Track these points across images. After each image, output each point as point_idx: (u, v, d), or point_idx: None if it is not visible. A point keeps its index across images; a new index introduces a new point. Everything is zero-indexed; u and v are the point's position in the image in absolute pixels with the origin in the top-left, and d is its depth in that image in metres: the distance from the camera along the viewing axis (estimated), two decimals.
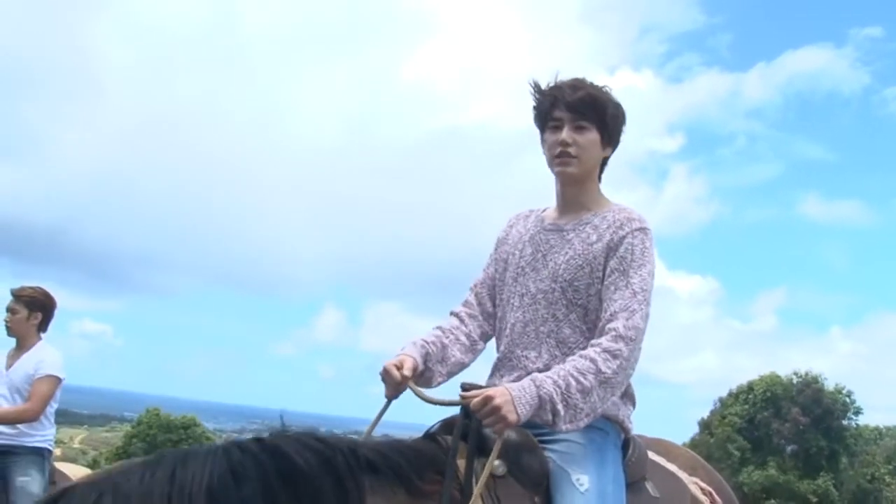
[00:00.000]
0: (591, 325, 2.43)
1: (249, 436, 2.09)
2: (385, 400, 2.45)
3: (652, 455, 2.68)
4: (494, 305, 2.67)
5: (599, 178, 2.59)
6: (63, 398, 5.33)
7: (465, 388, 2.32)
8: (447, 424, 2.36)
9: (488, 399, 2.15)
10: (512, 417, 2.13)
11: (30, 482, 4.99)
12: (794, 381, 35.93)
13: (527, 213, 2.71)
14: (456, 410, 2.32)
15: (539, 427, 2.31)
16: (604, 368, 2.25)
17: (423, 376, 2.48)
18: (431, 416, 2.43)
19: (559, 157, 2.48)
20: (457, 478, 2.19)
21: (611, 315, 2.33)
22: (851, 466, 35.23)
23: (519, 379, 2.34)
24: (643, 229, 2.43)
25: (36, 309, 5.26)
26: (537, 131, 2.59)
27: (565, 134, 2.46)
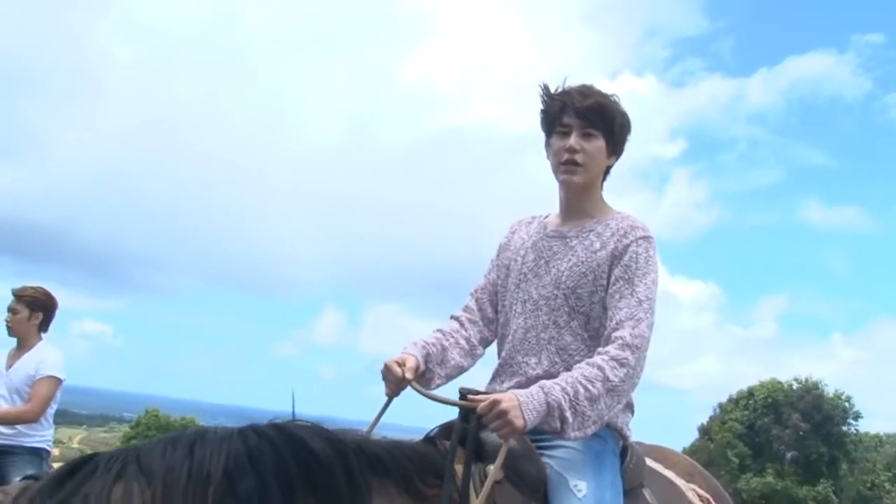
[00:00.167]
0: (593, 333, 2.44)
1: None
2: (386, 398, 2.45)
3: (650, 462, 2.69)
4: (495, 311, 2.67)
5: (602, 186, 2.60)
6: (62, 398, 5.32)
7: (464, 393, 2.33)
8: (446, 429, 2.36)
9: (496, 403, 2.15)
10: (519, 423, 2.13)
11: None
12: (795, 387, 35.93)
13: (529, 220, 2.71)
14: (455, 414, 2.33)
15: (536, 433, 2.31)
16: (611, 376, 2.26)
17: (423, 377, 2.49)
18: (430, 420, 2.43)
19: (565, 165, 2.48)
20: (455, 482, 2.19)
21: (616, 324, 2.34)
22: (851, 473, 35.22)
23: (519, 385, 2.34)
24: (647, 237, 2.43)
25: (37, 309, 5.27)
26: (542, 135, 2.59)
27: (573, 140, 2.46)
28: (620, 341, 2.30)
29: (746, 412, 35.56)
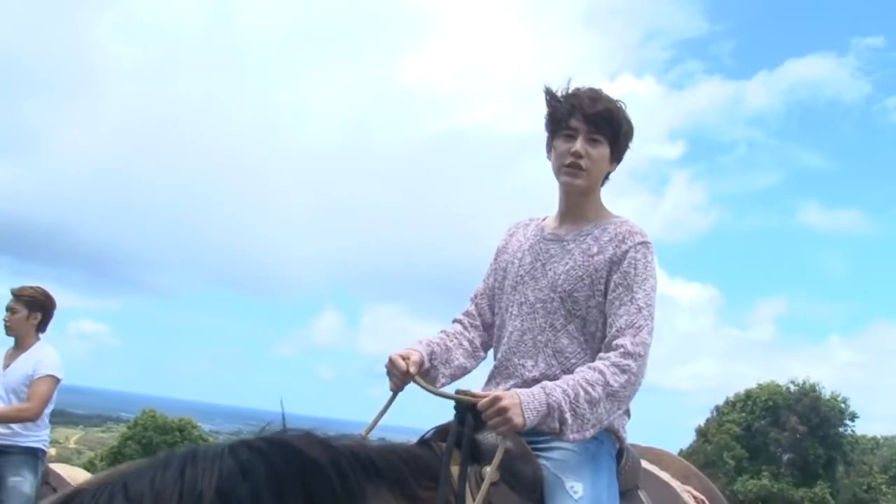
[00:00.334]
0: (590, 337, 2.45)
1: (249, 437, 2.10)
2: (391, 393, 2.45)
3: (645, 464, 2.70)
4: (494, 316, 2.68)
5: (600, 191, 2.59)
6: (59, 398, 5.33)
7: (462, 393, 2.34)
8: (441, 431, 2.37)
9: (497, 400, 2.16)
10: (518, 421, 2.14)
11: (21, 482, 4.98)
12: (792, 389, 35.96)
13: (526, 222, 2.72)
14: (451, 416, 2.33)
15: (533, 435, 2.32)
16: (612, 381, 2.27)
17: (427, 374, 2.49)
18: (432, 421, 2.44)
19: (569, 168, 2.48)
20: (450, 484, 2.19)
21: (617, 331, 2.35)
22: (848, 475, 35.26)
23: (515, 387, 2.34)
24: (645, 243, 2.44)
25: (36, 309, 5.27)
26: (543, 135, 2.59)
27: (579, 145, 2.46)
28: (622, 349, 2.31)
29: (744, 414, 35.59)
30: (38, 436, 5.15)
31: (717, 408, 37.18)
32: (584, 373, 2.28)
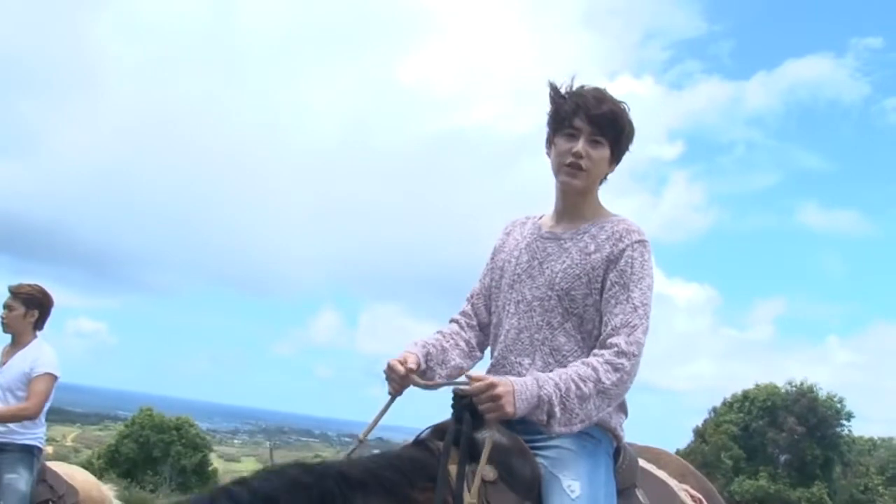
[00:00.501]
0: (586, 335, 2.45)
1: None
2: (389, 397, 2.45)
3: (642, 462, 2.70)
4: (491, 315, 2.68)
5: (597, 191, 2.59)
6: (56, 396, 5.31)
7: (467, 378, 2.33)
8: (438, 430, 2.37)
9: (492, 386, 2.17)
10: (509, 409, 2.15)
11: (17, 479, 4.97)
12: (789, 389, 36.00)
13: (523, 220, 2.71)
14: (448, 415, 2.33)
15: (531, 433, 2.32)
16: (604, 379, 2.27)
17: (424, 375, 2.49)
18: (428, 421, 2.44)
19: (569, 167, 2.47)
20: (448, 484, 2.19)
21: (612, 329, 2.35)
22: (845, 476, 35.30)
23: None
24: (642, 242, 2.44)
25: (33, 307, 5.26)
26: (543, 133, 2.58)
27: (581, 146, 2.45)
28: (616, 348, 2.31)
29: (741, 415, 35.62)
30: (34, 433, 5.14)
31: (715, 408, 37.22)
32: (577, 367, 2.29)
